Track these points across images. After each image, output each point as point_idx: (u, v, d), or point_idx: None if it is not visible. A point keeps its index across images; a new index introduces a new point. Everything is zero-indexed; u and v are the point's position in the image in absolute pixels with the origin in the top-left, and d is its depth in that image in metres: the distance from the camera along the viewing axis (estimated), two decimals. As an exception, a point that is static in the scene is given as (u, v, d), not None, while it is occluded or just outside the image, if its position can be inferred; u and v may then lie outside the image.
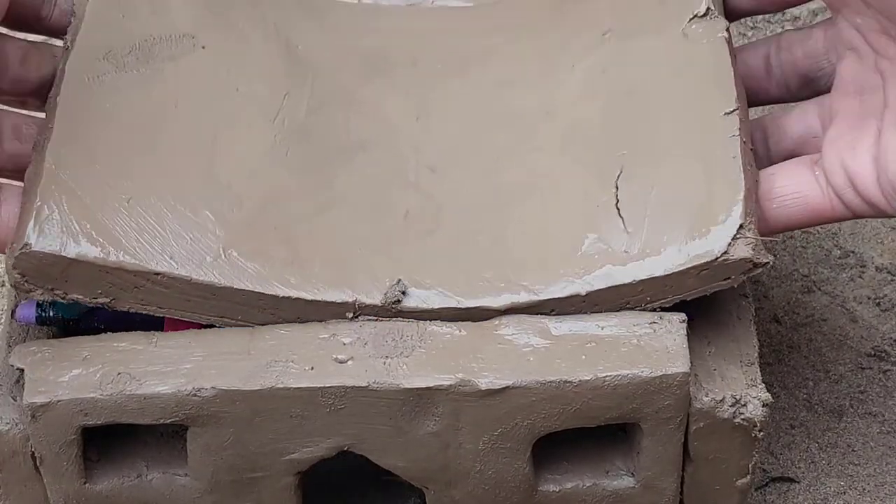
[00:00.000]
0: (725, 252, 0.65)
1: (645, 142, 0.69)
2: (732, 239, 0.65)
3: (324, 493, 0.73)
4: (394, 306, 0.66)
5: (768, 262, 0.65)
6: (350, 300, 0.66)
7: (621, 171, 0.68)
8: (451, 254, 0.68)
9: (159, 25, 0.72)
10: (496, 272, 0.67)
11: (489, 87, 0.74)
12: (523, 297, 0.66)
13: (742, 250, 0.65)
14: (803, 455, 0.79)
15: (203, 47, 0.72)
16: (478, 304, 0.67)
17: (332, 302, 0.66)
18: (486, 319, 0.67)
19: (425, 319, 0.67)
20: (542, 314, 0.67)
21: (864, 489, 0.78)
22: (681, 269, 0.65)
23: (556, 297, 0.66)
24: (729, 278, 0.66)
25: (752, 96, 0.73)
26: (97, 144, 0.68)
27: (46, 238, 0.65)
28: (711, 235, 0.65)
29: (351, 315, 0.67)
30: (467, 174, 0.71)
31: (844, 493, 0.78)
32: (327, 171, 0.70)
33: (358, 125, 0.72)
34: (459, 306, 0.67)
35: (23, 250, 0.65)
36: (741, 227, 0.65)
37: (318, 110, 0.72)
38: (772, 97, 0.74)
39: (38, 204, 0.66)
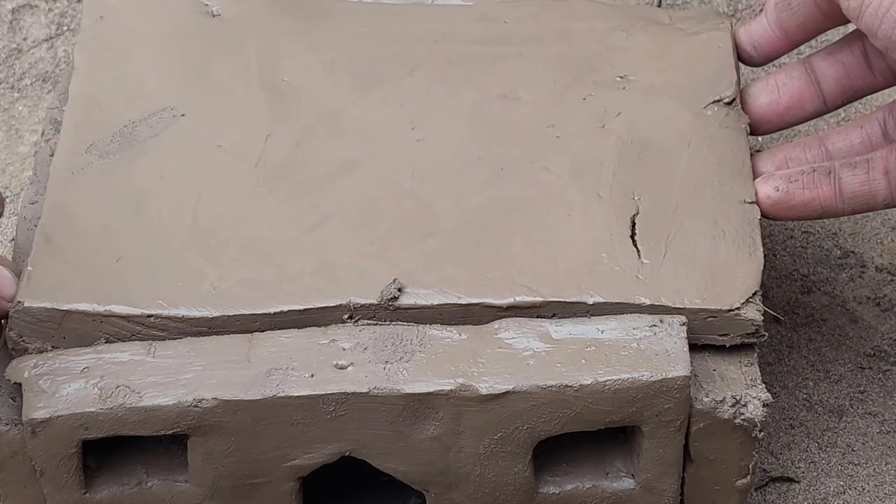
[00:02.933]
0: (738, 308, 0.67)
1: (660, 195, 0.70)
2: (746, 300, 0.67)
3: (324, 493, 0.72)
4: (391, 304, 0.66)
5: (763, 337, 0.68)
6: (344, 303, 0.66)
7: (638, 212, 0.69)
8: (450, 255, 0.68)
9: (138, 108, 0.74)
10: (499, 272, 0.67)
11: (492, 99, 0.74)
12: (527, 297, 0.66)
13: (753, 312, 0.67)
14: (803, 455, 0.79)
15: (183, 115, 0.73)
16: (480, 301, 0.67)
17: (326, 307, 0.66)
18: (487, 318, 0.67)
19: (425, 318, 0.67)
20: (542, 317, 0.67)
21: (863, 489, 0.78)
22: (692, 307, 0.67)
23: (560, 300, 0.66)
24: (726, 335, 0.68)
25: (858, 92, 0.75)
26: (85, 220, 0.69)
27: (38, 295, 0.67)
28: (727, 290, 0.67)
29: (347, 317, 0.67)
30: (467, 184, 0.71)
31: (844, 492, 0.78)
32: (314, 196, 0.70)
33: (346, 146, 0.72)
34: (460, 302, 0.67)
35: (16, 308, 0.66)
36: (755, 293, 0.67)
37: (303, 142, 0.72)
38: (878, 86, 0.75)
39: (30, 269, 0.67)
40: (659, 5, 0.82)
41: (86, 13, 0.78)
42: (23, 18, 0.97)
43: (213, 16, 0.78)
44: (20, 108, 0.94)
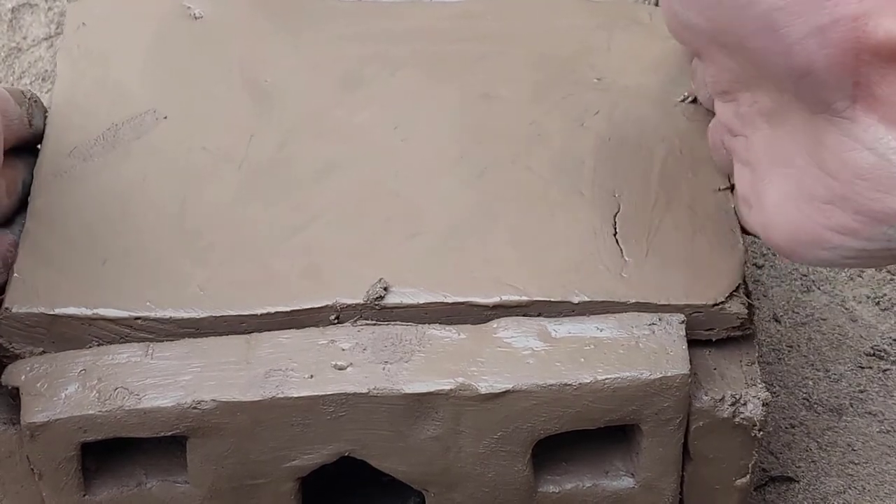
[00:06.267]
0: (723, 302, 0.67)
1: (639, 191, 0.70)
2: (730, 294, 0.67)
3: (324, 493, 0.72)
4: (377, 303, 0.66)
5: (750, 331, 0.68)
6: (330, 303, 0.66)
7: (619, 210, 0.69)
8: (436, 254, 0.68)
9: (121, 111, 0.74)
10: (484, 272, 0.67)
11: (475, 99, 0.74)
12: (513, 296, 0.66)
13: (737, 306, 0.67)
14: (803, 454, 0.79)
15: (165, 117, 0.73)
16: (465, 300, 0.67)
17: (312, 308, 0.66)
18: (473, 317, 0.67)
19: (411, 317, 0.67)
20: (528, 315, 0.67)
21: (863, 488, 0.78)
22: (677, 303, 0.67)
23: (546, 299, 0.66)
24: (712, 330, 0.67)
25: None
26: (71, 223, 0.69)
27: (25, 301, 0.66)
28: (711, 285, 0.67)
29: (334, 317, 0.67)
30: (451, 183, 0.71)
31: (844, 492, 0.78)
32: (299, 197, 0.70)
33: (330, 147, 0.72)
34: (446, 301, 0.67)
35: (3, 315, 0.66)
36: (739, 286, 0.67)
37: (287, 143, 0.73)
38: None
39: (15, 276, 0.67)
40: (657, 4, 0.82)
41: (68, 20, 0.78)
42: (22, 17, 0.97)
43: (195, 18, 0.78)
44: (19, 108, 0.94)
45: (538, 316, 0.67)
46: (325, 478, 0.70)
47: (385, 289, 0.67)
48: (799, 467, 0.79)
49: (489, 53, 0.76)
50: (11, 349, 0.67)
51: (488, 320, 0.67)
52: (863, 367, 0.82)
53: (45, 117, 0.73)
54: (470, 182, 0.71)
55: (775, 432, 0.80)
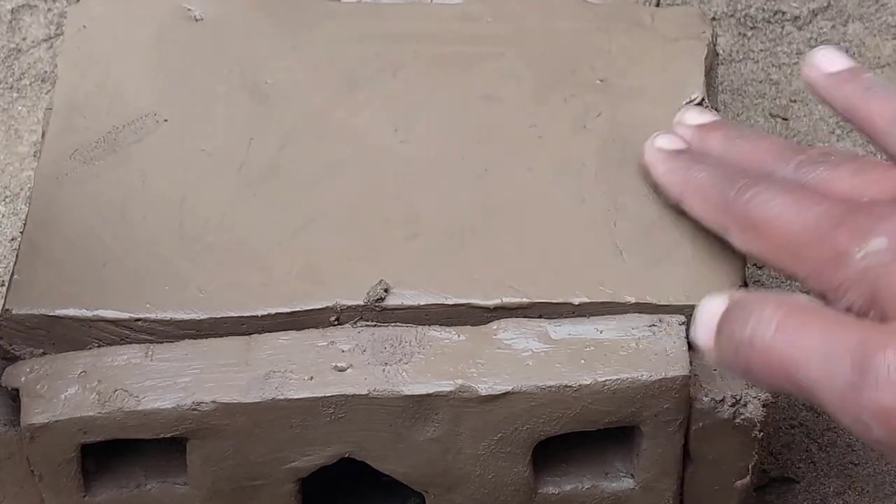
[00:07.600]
0: None
1: (641, 193, 0.70)
2: None
3: (323, 493, 0.72)
4: (377, 305, 0.66)
5: None
6: (331, 304, 0.66)
7: (620, 211, 0.69)
8: (436, 256, 0.68)
9: (121, 115, 0.74)
10: (485, 273, 0.67)
11: (475, 100, 0.74)
12: (513, 298, 0.66)
13: None
14: (803, 455, 0.79)
15: (166, 120, 0.74)
16: (466, 301, 0.66)
17: (313, 309, 0.66)
18: (473, 318, 0.67)
19: (411, 319, 0.67)
20: (530, 317, 0.67)
21: (863, 489, 0.78)
22: (677, 304, 0.66)
23: (547, 300, 0.66)
24: None
25: None
26: (71, 226, 0.69)
27: (26, 302, 0.66)
28: (712, 286, 0.66)
29: (334, 319, 0.67)
30: (452, 185, 0.71)
31: (844, 493, 0.78)
32: (299, 199, 0.70)
33: (331, 149, 0.72)
34: (447, 302, 0.66)
35: (4, 316, 0.66)
36: (739, 288, 0.67)
37: (287, 145, 0.72)
38: None
39: (16, 277, 0.67)
40: (657, 5, 0.82)
41: (69, 23, 0.78)
42: (22, 18, 0.97)
43: (196, 20, 0.78)
44: (19, 108, 0.94)
45: (538, 317, 0.67)
46: (325, 478, 0.70)
47: (385, 290, 0.67)
48: (799, 468, 0.79)
49: (490, 55, 0.76)
50: (12, 350, 0.67)
51: (488, 322, 0.67)
52: (863, 368, 0.82)
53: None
54: (470, 183, 0.71)
55: (775, 433, 0.79)
